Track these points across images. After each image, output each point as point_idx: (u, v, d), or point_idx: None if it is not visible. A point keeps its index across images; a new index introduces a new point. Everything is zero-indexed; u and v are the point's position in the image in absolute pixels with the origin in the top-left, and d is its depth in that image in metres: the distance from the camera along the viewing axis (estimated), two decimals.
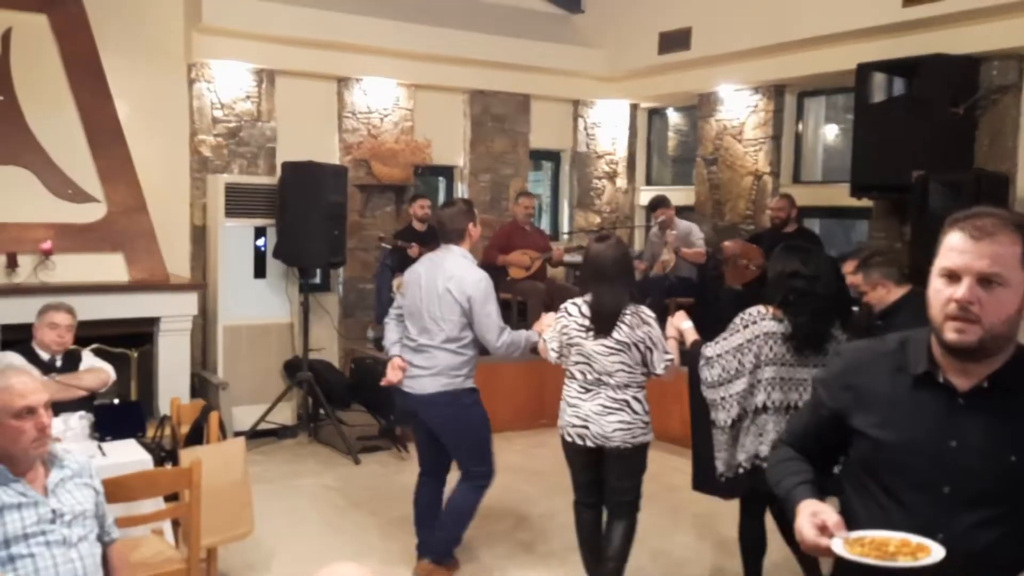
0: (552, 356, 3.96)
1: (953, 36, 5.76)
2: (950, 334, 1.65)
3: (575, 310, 3.85)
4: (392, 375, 4.21)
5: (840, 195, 6.50)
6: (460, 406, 4.19)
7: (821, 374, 2.03)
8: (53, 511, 2.51)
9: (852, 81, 6.19)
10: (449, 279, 4.09)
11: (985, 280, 1.63)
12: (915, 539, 1.65)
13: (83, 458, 2.75)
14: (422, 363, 4.15)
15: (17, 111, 5.79)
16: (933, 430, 1.72)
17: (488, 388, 6.76)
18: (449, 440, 4.22)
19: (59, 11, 6.04)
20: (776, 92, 7.48)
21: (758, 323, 3.57)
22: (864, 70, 6.06)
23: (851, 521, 1.76)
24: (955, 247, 1.66)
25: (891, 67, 5.98)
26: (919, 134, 5.73)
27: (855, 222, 7.34)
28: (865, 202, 6.41)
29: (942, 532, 1.66)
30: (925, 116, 5.74)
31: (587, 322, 3.79)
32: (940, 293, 1.67)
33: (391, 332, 4.33)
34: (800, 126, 7.65)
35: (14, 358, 4.25)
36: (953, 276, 1.65)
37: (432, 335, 4.13)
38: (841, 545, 1.65)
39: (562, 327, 3.88)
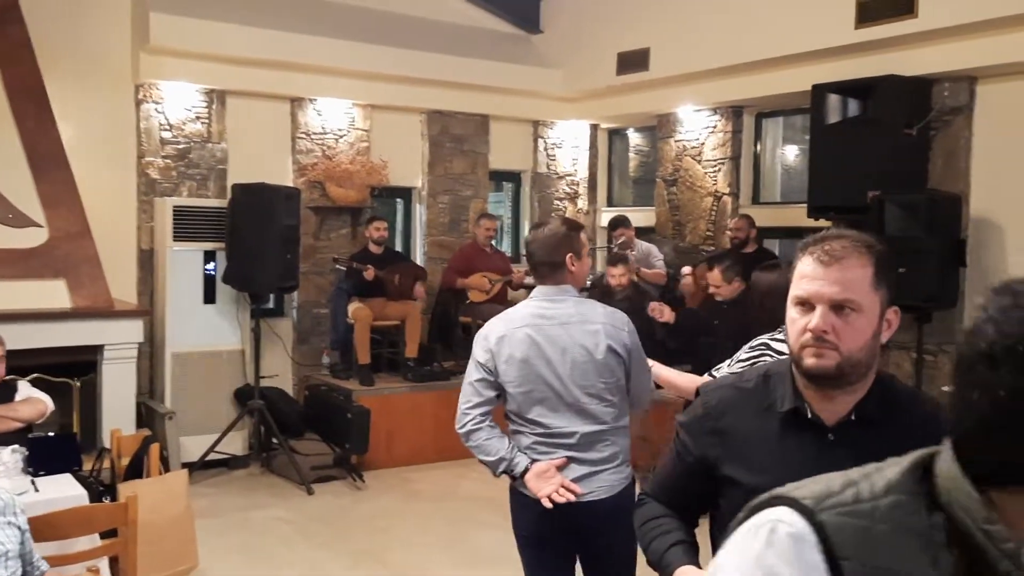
0: None
1: (905, 58, 5.79)
2: (808, 359, 1.59)
3: (783, 347, 2.73)
4: (555, 486, 2.79)
5: (799, 215, 6.49)
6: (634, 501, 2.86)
7: (682, 417, 1.86)
8: None
9: (808, 102, 6.21)
10: (597, 334, 2.93)
11: (838, 307, 1.57)
12: None
13: (7, 495, 2.68)
14: (597, 456, 2.91)
15: None
16: (805, 470, 1.58)
17: (412, 418, 6.68)
18: (613, 555, 2.93)
19: None
20: (734, 113, 7.50)
21: None
22: (819, 91, 6.07)
23: None
24: (806, 274, 1.60)
25: (845, 88, 6.00)
26: (874, 155, 5.74)
27: None
28: (823, 222, 6.41)
29: None
30: (880, 137, 5.76)
31: None
32: (796, 323, 1.61)
33: (496, 441, 2.92)
34: (758, 147, 7.67)
35: None
36: (806, 305, 1.60)
37: (596, 416, 2.91)
38: None
39: None
